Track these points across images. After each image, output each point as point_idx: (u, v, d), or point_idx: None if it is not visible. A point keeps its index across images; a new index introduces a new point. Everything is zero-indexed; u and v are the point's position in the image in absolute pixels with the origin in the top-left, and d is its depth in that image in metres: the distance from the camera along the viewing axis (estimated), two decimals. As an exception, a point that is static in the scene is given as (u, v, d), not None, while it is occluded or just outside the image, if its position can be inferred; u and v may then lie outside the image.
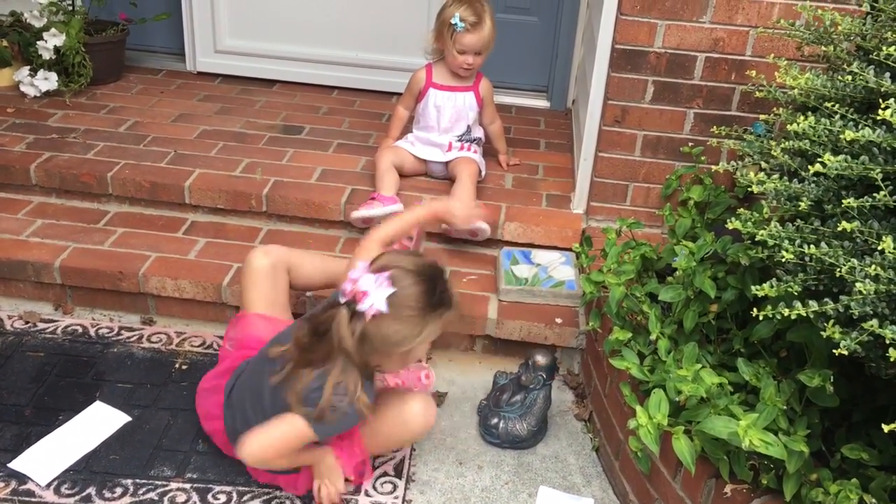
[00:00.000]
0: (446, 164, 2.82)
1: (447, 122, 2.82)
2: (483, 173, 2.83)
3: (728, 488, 1.64)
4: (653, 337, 1.79)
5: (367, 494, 1.97)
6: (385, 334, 1.64)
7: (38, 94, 3.21)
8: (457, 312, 1.74)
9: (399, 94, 3.06)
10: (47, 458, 2.00)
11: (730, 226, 1.55)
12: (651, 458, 1.83)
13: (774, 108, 1.74)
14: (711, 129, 2.04)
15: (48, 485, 1.93)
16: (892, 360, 1.23)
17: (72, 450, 2.03)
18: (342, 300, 1.65)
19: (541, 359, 2.14)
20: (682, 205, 2.22)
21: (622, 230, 2.13)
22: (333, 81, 3.56)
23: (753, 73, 1.81)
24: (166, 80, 3.56)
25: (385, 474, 2.03)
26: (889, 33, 1.50)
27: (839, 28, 1.67)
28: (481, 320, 2.37)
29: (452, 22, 2.65)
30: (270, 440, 1.73)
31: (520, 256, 2.55)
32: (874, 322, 1.24)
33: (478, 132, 2.89)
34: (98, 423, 2.12)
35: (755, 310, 1.46)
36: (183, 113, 3.23)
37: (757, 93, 1.79)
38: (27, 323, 2.45)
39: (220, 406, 1.97)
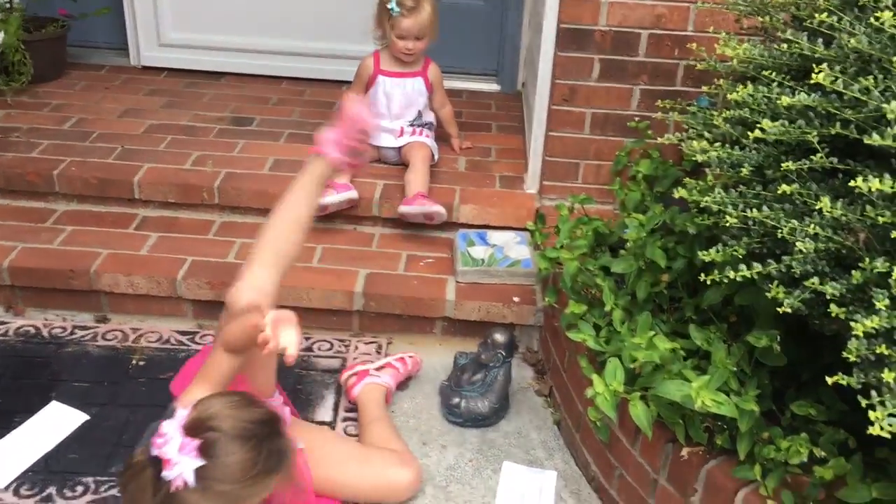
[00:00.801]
0: (399, 149, 2.83)
1: (397, 108, 2.82)
2: (436, 157, 2.85)
3: (685, 451, 1.67)
4: (607, 308, 1.82)
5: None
6: None
7: (-23, 95, 3.15)
8: (287, 472, 1.44)
9: (348, 83, 3.06)
10: (5, 460, 1.97)
11: (676, 195, 1.58)
12: (610, 426, 1.86)
13: (715, 80, 1.77)
14: (657, 104, 2.08)
15: (7, 487, 1.90)
16: (833, 315, 1.27)
17: (29, 451, 2.00)
18: (153, 453, 1.34)
19: (499, 337, 2.16)
20: (631, 179, 2.26)
21: (574, 207, 2.16)
22: (282, 72, 3.54)
23: (694, 45, 1.84)
24: (110, 76, 3.50)
25: (349, 456, 2.04)
26: (821, 1, 1.54)
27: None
28: (439, 302, 2.38)
29: (389, 7, 2.66)
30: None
31: (476, 238, 2.57)
32: (815, 280, 1.28)
33: (429, 117, 2.90)
34: (55, 423, 2.09)
35: (703, 276, 1.49)
36: (129, 108, 3.18)
37: (698, 65, 1.83)
38: (-23, 326, 2.41)
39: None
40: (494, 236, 2.59)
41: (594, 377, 1.63)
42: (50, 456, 1.99)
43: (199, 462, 1.32)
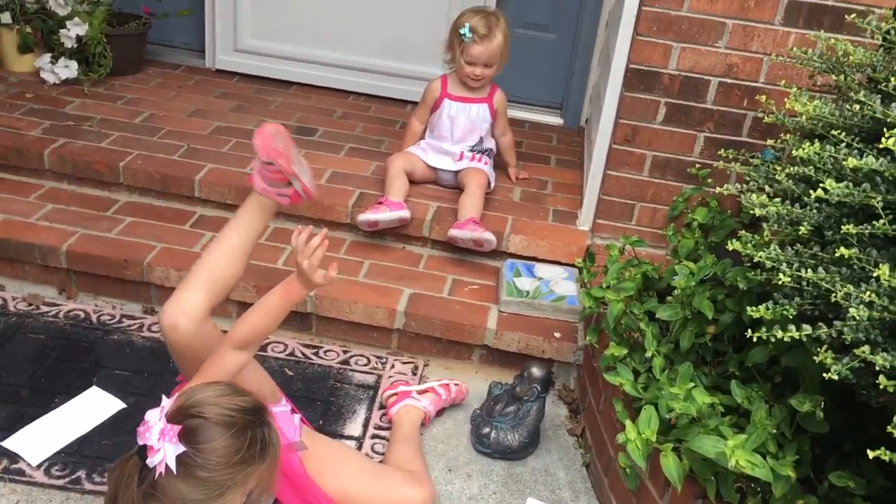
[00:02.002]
0: (456, 173, 2.84)
1: (460, 132, 2.83)
2: (492, 185, 2.85)
3: (715, 511, 1.63)
4: (648, 354, 1.79)
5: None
6: (174, 496, 1.34)
7: (58, 82, 3.25)
8: (271, 464, 1.43)
9: (413, 103, 3.08)
10: (40, 439, 2.01)
11: (730, 247, 1.55)
12: (639, 475, 1.82)
13: (782, 135, 1.74)
14: (719, 153, 2.05)
15: (39, 465, 1.94)
16: (881, 387, 1.22)
17: (65, 432, 2.04)
18: (138, 443, 1.37)
19: (536, 371, 2.14)
20: (686, 227, 2.23)
21: (625, 248, 2.14)
22: (350, 86, 3.59)
23: (764, 97, 1.81)
24: (185, 76, 3.60)
25: (374, 476, 2.03)
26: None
27: (851, 58, 1.68)
28: (480, 330, 2.37)
29: (461, 32, 2.68)
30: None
31: (523, 269, 2.56)
32: (866, 348, 1.24)
33: (490, 143, 2.91)
34: (93, 408, 2.13)
35: (750, 332, 1.46)
36: (199, 108, 3.26)
37: (766, 118, 1.80)
38: (30, 305, 2.47)
39: None
40: (542, 269, 2.57)
41: (627, 423, 1.60)
42: (84, 440, 2.03)
43: (181, 448, 1.32)
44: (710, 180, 2.26)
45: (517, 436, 2.12)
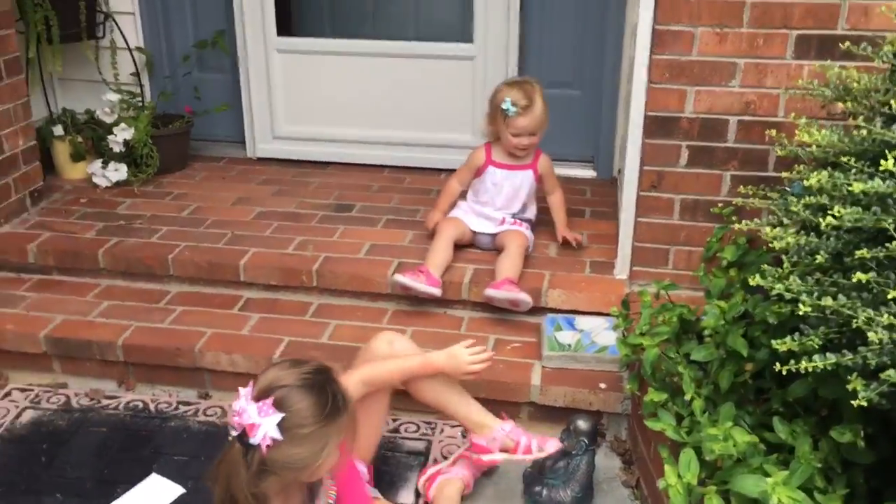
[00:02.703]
0: (494, 236, 2.88)
1: (504, 199, 2.88)
2: (531, 248, 2.87)
3: (768, 554, 1.60)
4: (687, 397, 1.78)
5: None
6: (286, 461, 1.51)
7: (109, 185, 3.43)
8: (351, 414, 1.59)
9: (447, 170, 3.15)
10: (106, 528, 2.08)
11: (752, 282, 1.55)
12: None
13: (797, 166, 1.75)
14: (738, 189, 2.06)
15: (106, 554, 2.00)
16: (913, 410, 1.21)
17: (129, 520, 2.11)
18: (232, 435, 1.53)
19: (582, 424, 2.13)
20: (718, 266, 2.22)
21: (659, 293, 2.14)
22: (384, 160, 3.70)
23: (774, 132, 1.83)
24: (228, 167, 3.76)
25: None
26: (900, 86, 1.51)
27: (856, 85, 1.69)
28: (525, 387, 2.38)
29: (504, 107, 2.71)
30: None
31: (563, 323, 2.57)
32: (892, 372, 1.23)
33: (532, 211, 2.95)
34: (154, 494, 2.20)
35: (778, 366, 1.45)
36: (241, 196, 3.40)
37: (779, 151, 1.81)
38: (92, 400, 2.57)
39: None
40: (582, 321, 2.58)
41: (667, 468, 1.59)
42: (147, 526, 2.09)
43: (278, 416, 1.48)
44: (734, 218, 2.25)
45: (570, 491, 2.10)
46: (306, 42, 3.62)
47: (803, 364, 1.35)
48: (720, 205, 2.34)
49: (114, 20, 3.56)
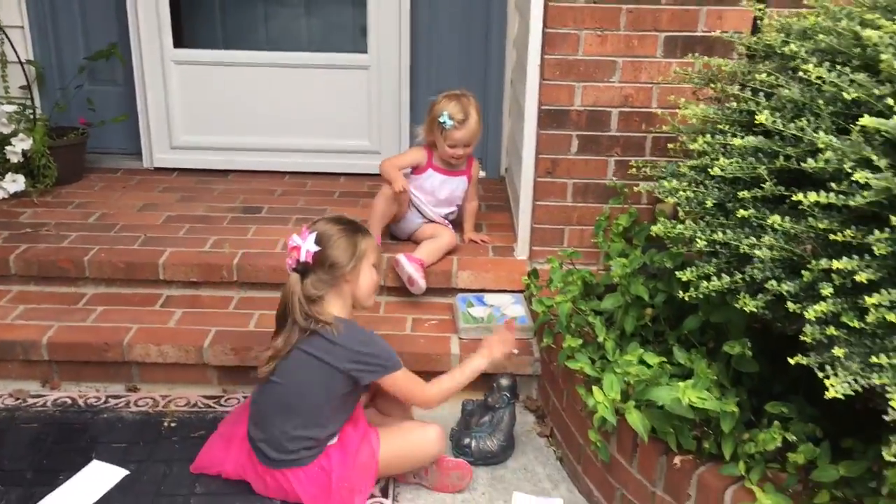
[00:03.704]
0: (421, 224, 3.06)
1: (439, 201, 3.05)
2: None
3: (677, 459, 1.89)
4: (600, 339, 2.07)
5: (358, 514, 2.15)
6: (329, 263, 2.09)
7: (7, 196, 3.40)
8: (376, 246, 2.24)
9: (347, 175, 3.42)
10: (54, 512, 2.13)
11: (653, 231, 1.85)
12: (609, 449, 2.07)
13: (679, 137, 2.08)
14: (630, 166, 2.38)
15: (58, 536, 2.06)
16: (791, 311, 1.52)
17: (76, 502, 2.16)
18: (290, 269, 2.12)
19: (504, 381, 2.38)
20: (613, 233, 2.53)
21: (563, 262, 2.43)
22: (285, 167, 3.85)
23: (660, 111, 2.16)
24: (125, 178, 3.79)
25: (372, 496, 2.21)
26: (761, 66, 1.87)
27: (724, 69, 2.05)
28: (445, 357, 2.61)
29: (441, 121, 2.89)
30: (411, 390, 2.20)
31: (474, 300, 2.82)
32: (773, 282, 1.55)
33: (455, 212, 3.16)
34: (98, 478, 2.26)
35: (682, 293, 1.75)
36: (147, 203, 3.45)
37: (664, 127, 2.14)
38: (17, 399, 2.58)
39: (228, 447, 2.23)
40: (491, 298, 2.84)
41: (594, 388, 1.86)
42: (96, 506, 2.15)
43: (314, 234, 2.10)
44: (625, 190, 2.58)
45: (495, 440, 2.34)
46: (203, 53, 3.73)
47: (703, 286, 1.65)
48: (614, 178, 2.66)
49: (4, 33, 3.55)
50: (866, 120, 1.42)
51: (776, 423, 1.71)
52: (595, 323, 2.10)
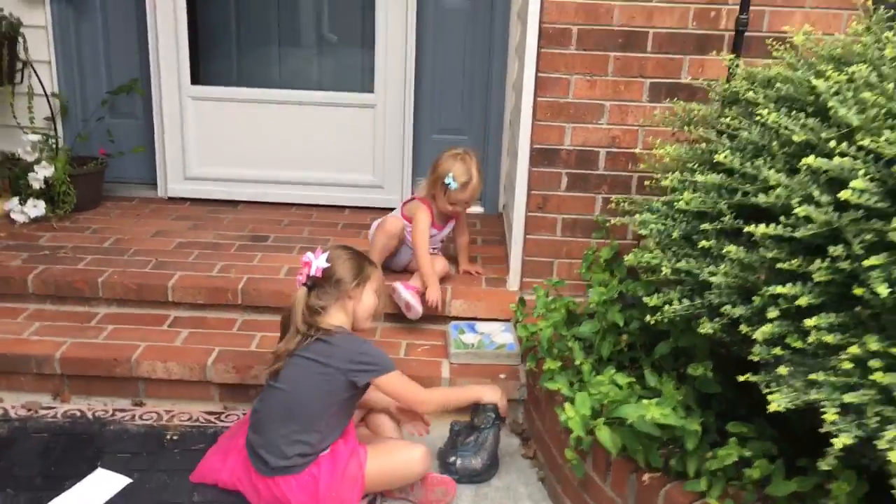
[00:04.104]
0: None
1: (431, 243, 3.17)
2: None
3: (646, 476, 2.00)
4: (577, 362, 2.19)
5: (346, 525, 2.26)
6: (335, 279, 2.31)
7: (27, 220, 3.59)
8: (380, 276, 2.45)
9: (352, 208, 3.62)
10: (60, 515, 2.25)
11: (626, 261, 1.99)
12: (584, 467, 2.19)
13: (650, 180, 2.23)
14: (611, 201, 2.53)
15: (62, 536, 2.18)
16: (743, 333, 1.66)
17: (81, 507, 2.29)
18: (299, 284, 2.33)
19: (488, 403, 2.51)
20: (597, 266, 2.67)
21: (549, 291, 2.57)
22: (292, 199, 4.02)
23: (638, 150, 2.31)
24: (140, 206, 3.97)
25: (361, 509, 2.33)
26: (727, 110, 2.02)
27: (696, 113, 2.21)
28: (436, 380, 2.74)
29: (446, 182, 3.01)
30: (405, 390, 2.34)
31: (466, 328, 2.96)
32: (728, 307, 1.68)
33: None
34: (102, 485, 2.38)
35: (654, 323, 1.89)
36: (160, 230, 3.63)
37: (642, 164, 2.29)
38: (29, 411, 2.72)
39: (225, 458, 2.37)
40: (482, 326, 2.98)
41: (566, 405, 1.99)
42: (99, 512, 2.28)
43: (325, 254, 2.32)
44: (608, 224, 2.73)
45: (480, 459, 2.46)
46: (219, 90, 3.93)
47: (668, 310, 1.78)
48: (599, 215, 2.81)
49: (32, 67, 3.76)
50: (810, 160, 1.57)
51: (733, 440, 1.83)
52: (573, 347, 2.23)
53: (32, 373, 2.78)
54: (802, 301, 1.53)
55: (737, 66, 2.23)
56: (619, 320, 2.18)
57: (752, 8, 2.60)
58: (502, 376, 2.75)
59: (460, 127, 4.02)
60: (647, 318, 1.89)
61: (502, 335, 2.92)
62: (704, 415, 2.03)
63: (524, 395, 2.74)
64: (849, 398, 1.45)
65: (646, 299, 1.87)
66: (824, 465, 1.48)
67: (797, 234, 1.58)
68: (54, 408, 2.75)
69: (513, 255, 3.09)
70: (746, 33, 2.58)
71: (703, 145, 2.06)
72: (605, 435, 1.93)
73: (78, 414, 2.73)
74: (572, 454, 2.16)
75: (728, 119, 1.95)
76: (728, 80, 2.27)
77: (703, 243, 1.78)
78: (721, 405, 2.10)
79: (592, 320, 2.29)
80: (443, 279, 3.16)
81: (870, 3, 2.11)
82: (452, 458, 2.47)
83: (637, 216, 1.99)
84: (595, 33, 2.75)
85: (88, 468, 2.45)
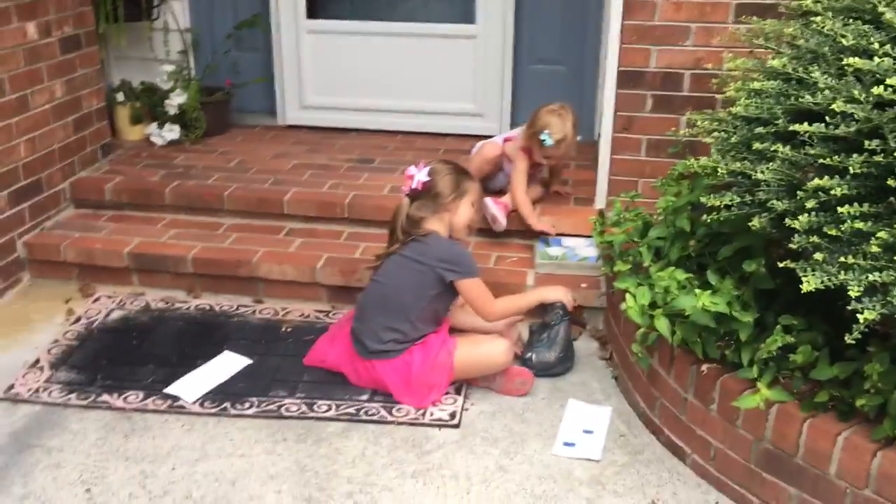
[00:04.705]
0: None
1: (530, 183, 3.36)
2: None
3: (704, 367, 2.18)
4: (646, 264, 2.37)
5: (434, 404, 2.55)
6: (434, 192, 2.57)
7: (164, 143, 4.01)
8: (478, 190, 2.67)
9: (452, 135, 4.08)
10: (192, 385, 2.64)
11: (679, 167, 2.14)
12: (650, 360, 2.38)
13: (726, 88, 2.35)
14: (687, 115, 2.65)
15: (195, 401, 2.57)
16: (787, 225, 1.80)
17: (209, 380, 2.67)
18: (403, 194, 2.62)
19: (555, 301, 2.72)
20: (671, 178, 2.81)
21: (627, 205, 2.74)
22: (398, 127, 4.29)
23: (710, 65, 2.43)
24: (262, 132, 4.34)
25: (447, 393, 2.61)
26: (791, 22, 2.12)
27: (771, 28, 2.30)
28: (521, 288, 2.96)
29: (542, 137, 3.09)
30: (480, 298, 2.57)
31: (553, 242, 3.17)
32: (775, 202, 1.83)
33: None
34: (227, 364, 2.76)
35: (706, 216, 2.04)
36: (278, 153, 3.98)
37: (713, 81, 2.41)
38: (167, 304, 3.14)
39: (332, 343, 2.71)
40: (568, 241, 3.18)
41: (627, 296, 2.18)
42: (225, 384, 2.65)
43: (427, 168, 2.58)
44: (682, 146, 2.85)
45: (553, 353, 2.68)
46: (332, 24, 4.21)
47: (717, 201, 1.94)
48: (673, 130, 2.93)
49: (168, 4, 4.15)
50: (853, 60, 1.68)
51: (778, 328, 1.98)
52: (643, 251, 2.41)
53: (169, 271, 3.18)
54: (837, 191, 1.66)
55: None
56: (686, 226, 2.34)
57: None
58: (584, 286, 2.95)
59: (559, 57, 4.16)
60: (705, 217, 2.05)
61: (586, 249, 3.11)
62: (762, 313, 2.18)
63: (604, 304, 2.93)
64: (874, 277, 1.59)
65: (703, 199, 2.02)
66: (850, 338, 1.63)
67: (839, 132, 1.70)
68: (188, 302, 3.16)
69: (600, 174, 3.25)
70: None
71: (769, 59, 2.16)
72: (662, 324, 2.11)
73: (207, 308, 3.12)
74: (638, 348, 2.35)
75: (790, 30, 2.05)
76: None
77: (756, 145, 1.92)
78: (782, 305, 2.23)
79: (660, 226, 2.45)
80: (535, 201, 3.36)
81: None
82: (529, 354, 2.70)
83: (697, 120, 2.13)
84: (682, -44, 2.85)
85: (216, 351, 2.83)
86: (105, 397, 2.57)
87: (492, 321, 2.66)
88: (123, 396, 2.58)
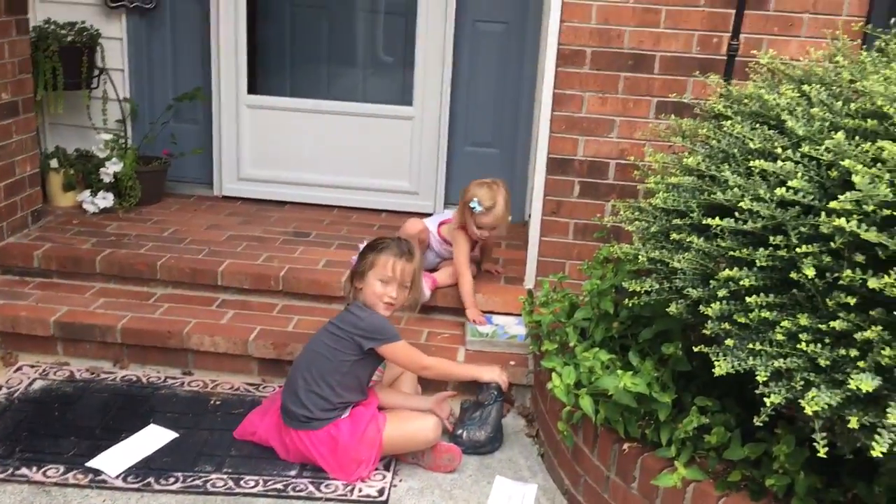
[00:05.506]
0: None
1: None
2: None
3: (625, 446, 2.27)
4: (571, 344, 2.47)
5: (362, 480, 2.56)
6: (354, 265, 2.69)
7: (97, 211, 3.99)
8: (420, 265, 2.76)
9: (386, 211, 4.07)
10: (116, 459, 2.59)
11: (602, 252, 2.26)
12: (574, 438, 2.45)
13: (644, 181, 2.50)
14: (611, 202, 2.80)
15: (117, 476, 2.52)
16: (701, 312, 1.91)
17: (134, 454, 2.63)
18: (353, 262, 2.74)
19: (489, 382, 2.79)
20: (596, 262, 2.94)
21: (555, 286, 2.85)
22: (334, 202, 4.37)
23: (632, 158, 2.58)
24: (197, 203, 4.36)
25: (376, 469, 2.63)
26: (705, 123, 2.29)
27: (685, 126, 2.47)
28: (452, 364, 3.03)
29: (471, 205, 3.20)
30: (409, 358, 2.67)
31: (483, 319, 3.25)
32: (690, 290, 1.95)
33: None
34: (153, 438, 2.73)
35: (627, 301, 2.16)
36: (213, 223, 4.00)
37: (635, 173, 2.57)
38: (92, 374, 3.09)
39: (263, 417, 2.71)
40: (498, 318, 3.27)
41: (553, 375, 2.26)
42: (149, 459, 2.61)
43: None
44: (607, 231, 3.00)
45: (483, 432, 2.74)
46: (272, 100, 4.31)
47: (638, 286, 2.05)
48: (598, 216, 3.09)
49: (108, 74, 4.18)
50: (758, 163, 1.83)
51: (694, 409, 2.08)
52: (569, 332, 2.51)
53: (96, 341, 3.15)
54: (746, 282, 1.79)
55: (723, 86, 2.50)
56: (610, 308, 2.45)
57: (751, 36, 2.87)
58: (512, 363, 3.03)
59: (492, 141, 4.32)
60: (627, 300, 2.16)
61: (515, 327, 3.20)
62: (680, 393, 2.28)
63: (531, 382, 3.01)
64: (779, 363, 1.71)
65: (626, 283, 2.14)
66: (758, 420, 1.74)
67: (747, 227, 1.84)
68: (114, 373, 3.11)
69: (529, 255, 3.37)
70: (745, 59, 2.84)
71: (687, 156, 2.32)
72: (586, 403, 2.20)
73: (134, 379, 3.08)
74: (564, 426, 2.43)
75: (704, 131, 2.22)
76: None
77: (674, 235, 2.05)
78: (698, 387, 2.35)
79: (585, 308, 2.55)
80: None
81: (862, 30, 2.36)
82: (460, 431, 2.75)
83: (621, 211, 2.26)
84: (607, 55, 3.04)
85: (142, 424, 2.80)
86: (24, 470, 2.51)
87: (429, 377, 2.78)
88: (43, 470, 2.52)
